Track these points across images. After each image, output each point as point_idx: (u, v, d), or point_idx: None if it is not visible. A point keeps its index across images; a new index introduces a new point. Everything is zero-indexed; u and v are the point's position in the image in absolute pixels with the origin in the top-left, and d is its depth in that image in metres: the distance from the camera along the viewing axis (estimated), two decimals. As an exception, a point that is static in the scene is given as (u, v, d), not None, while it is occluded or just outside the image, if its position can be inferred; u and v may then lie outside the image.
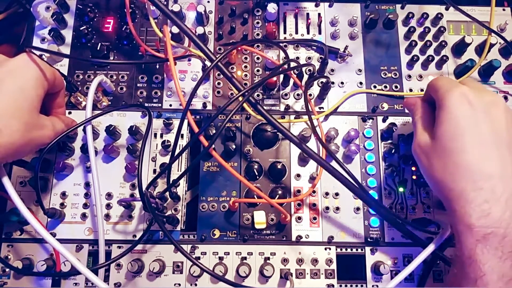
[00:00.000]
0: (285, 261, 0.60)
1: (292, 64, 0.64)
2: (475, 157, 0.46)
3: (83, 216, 0.61)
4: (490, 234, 0.43)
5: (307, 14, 0.71)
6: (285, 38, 0.70)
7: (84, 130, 0.59)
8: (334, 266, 0.60)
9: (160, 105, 0.67)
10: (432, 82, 0.55)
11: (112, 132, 0.62)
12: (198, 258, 0.60)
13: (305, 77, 0.67)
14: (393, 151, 0.64)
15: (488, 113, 0.48)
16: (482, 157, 0.46)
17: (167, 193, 0.60)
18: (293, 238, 0.61)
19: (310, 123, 0.58)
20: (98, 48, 0.66)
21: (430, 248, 0.53)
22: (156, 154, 0.64)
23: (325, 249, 0.61)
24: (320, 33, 0.71)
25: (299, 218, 0.62)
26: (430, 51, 0.70)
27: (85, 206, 0.62)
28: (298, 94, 0.67)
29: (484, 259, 0.43)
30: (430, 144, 0.50)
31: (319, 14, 0.71)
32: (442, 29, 0.69)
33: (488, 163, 0.45)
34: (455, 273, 0.47)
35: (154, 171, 0.63)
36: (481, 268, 0.43)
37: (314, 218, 0.62)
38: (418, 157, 0.53)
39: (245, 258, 0.60)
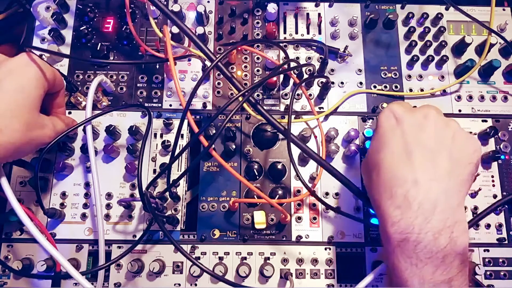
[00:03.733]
0: (285, 261, 0.60)
1: (292, 64, 0.64)
2: (391, 165, 0.46)
3: (83, 216, 0.61)
4: (404, 240, 0.42)
5: (307, 14, 0.71)
6: (285, 38, 0.70)
7: (84, 130, 0.59)
8: (334, 266, 0.60)
9: (160, 105, 0.67)
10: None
11: (112, 132, 0.62)
12: (198, 258, 0.60)
13: (305, 77, 0.67)
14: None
15: (415, 125, 0.48)
16: (397, 165, 0.46)
17: (167, 193, 0.60)
18: (293, 238, 0.61)
19: (288, 120, 0.57)
20: (98, 48, 0.67)
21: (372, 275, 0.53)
22: (156, 154, 0.64)
23: (325, 249, 0.61)
24: (320, 33, 0.71)
25: (299, 218, 0.62)
26: (430, 51, 0.70)
27: (85, 206, 0.62)
28: (298, 94, 0.67)
29: (402, 266, 0.43)
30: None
31: (319, 14, 0.71)
32: (442, 29, 0.69)
33: (403, 170, 0.45)
34: (386, 282, 0.48)
35: (154, 171, 0.63)
36: (401, 275, 0.43)
37: (314, 218, 0.62)
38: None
39: (245, 258, 0.60)
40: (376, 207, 0.47)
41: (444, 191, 0.44)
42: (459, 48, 0.69)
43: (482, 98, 0.68)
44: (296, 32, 0.71)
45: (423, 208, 0.43)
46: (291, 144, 0.56)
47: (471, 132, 0.66)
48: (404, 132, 0.48)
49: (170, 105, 0.67)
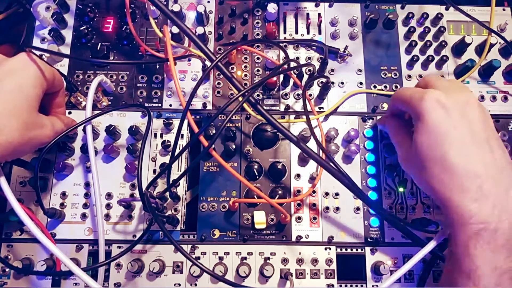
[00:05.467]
0: (285, 261, 0.60)
1: (292, 64, 0.64)
2: (458, 161, 0.46)
3: (83, 216, 0.61)
4: (482, 230, 0.45)
5: (307, 14, 0.71)
6: (285, 38, 0.70)
7: (84, 130, 0.59)
8: (334, 266, 0.60)
9: (160, 105, 0.67)
10: (399, 94, 0.55)
11: (112, 132, 0.62)
12: (198, 258, 0.60)
13: (305, 77, 0.67)
14: (393, 151, 0.64)
15: (463, 113, 0.48)
16: (464, 159, 0.47)
17: (167, 193, 0.60)
18: (293, 238, 0.61)
19: (308, 124, 0.58)
20: (98, 48, 0.66)
21: (428, 247, 0.53)
22: (156, 154, 0.64)
23: (325, 249, 0.61)
24: (320, 33, 0.71)
25: (299, 218, 0.62)
26: (430, 51, 0.70)
27: (85, 206, 0.62)
28: (298, 94, 0.67)
29: (477, 253, 0.44)
30: (413, 155, 0.51)
31: (319, 14, 0.71)
32: (442, 29, 0.69)
33: (471, 164, 0.46)
34: (449, 269, 0.48)
35: (154, 171, 0.63)
36: (474, 262, 0.44)
37: (314, 218, 0.62)
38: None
39: (245, 258, 0.60)
40: (444, 201, 0.48)
41: (510, 179, 0.47)
42: (459, 48, 0.69)
43: (482, 98, 0.68)
44: (296, 32, 0.71)
45: (499, 198, 0.45)
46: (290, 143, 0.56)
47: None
48: (457, 124, 0.48)
49: (170, 105, 0.67)
